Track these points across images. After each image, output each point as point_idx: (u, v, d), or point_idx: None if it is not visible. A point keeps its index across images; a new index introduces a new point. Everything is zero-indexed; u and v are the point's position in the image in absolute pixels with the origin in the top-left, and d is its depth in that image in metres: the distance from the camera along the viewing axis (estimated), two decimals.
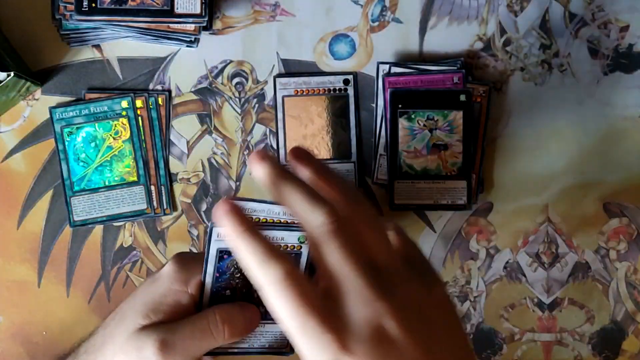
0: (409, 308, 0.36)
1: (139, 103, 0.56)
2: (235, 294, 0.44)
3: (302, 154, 0.40)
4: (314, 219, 0.36)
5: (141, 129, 0.56)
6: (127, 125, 0.56)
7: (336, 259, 0.36)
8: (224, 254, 0.43)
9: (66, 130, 0.56)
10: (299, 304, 0.35)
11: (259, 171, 0.38)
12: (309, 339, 0.35)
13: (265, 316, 0.45)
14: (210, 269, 0.44)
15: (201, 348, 0.43)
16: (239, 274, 0.44)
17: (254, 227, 0.37)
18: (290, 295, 0.35)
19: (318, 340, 0.34)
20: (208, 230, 0.42)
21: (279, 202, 0.38)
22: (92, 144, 0.56)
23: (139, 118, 0.56)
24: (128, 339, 0.43)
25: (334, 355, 0.34)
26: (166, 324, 0.43)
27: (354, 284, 0.35)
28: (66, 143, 0.56)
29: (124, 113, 0.56)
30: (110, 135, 0.56)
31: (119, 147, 0.56)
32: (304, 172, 0.40)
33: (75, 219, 0.56)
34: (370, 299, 0.35)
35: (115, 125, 0.56)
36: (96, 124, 0.56)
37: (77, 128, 0.56)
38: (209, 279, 0.44)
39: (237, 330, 0.43)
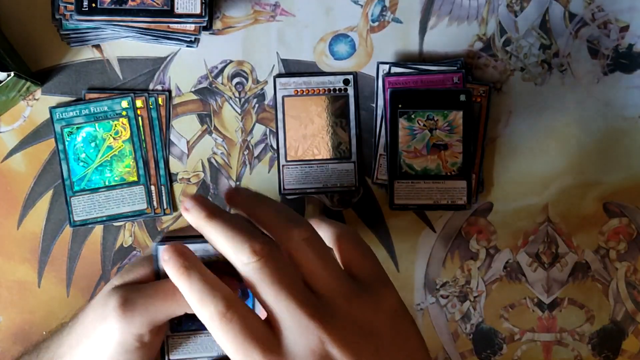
0: (352, 330, 0.36)
1: (139, 103, 0.56)
2: None
3: (232, 193, 0.41)
4: (239, 259, 0.36)
5: (141, 129, 0.56)
6: (127, 125, 0.56)
7: (269, 295, 0.36)
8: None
9: (66, 130, 0.56)
10: (241, 338, 0.35)
11: (187, 219, 0.39)
12: None
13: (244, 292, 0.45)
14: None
15: (162, 310, 0.41)
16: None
17: (191, 265, 0.37)
18: (231, 330, 0.35)
19: None
20: (152, 249, 0.42)
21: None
22: (92, 144, 0.56)
23: (139, 118, 0.56)
24: (100, 297, 0.42)
25: None
26: (134, 284, 0.42)
27: (291, 316, 0.35)
28: (66, 143, 0.56)
29: (124, 113, 0.56)
30: (110, 135, 0.56)
31: (119, 147, 0.56)
32: (238, 209, 0.40)
33: (75, 219, 0.56)
34: (310, 328, 0.35)
35: (115, 125, 0.56)
36: (96, 124, 0.56)
37: (77, 128, 0.56)
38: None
39: None
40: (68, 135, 0.56)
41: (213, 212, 0.38)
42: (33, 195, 0.57)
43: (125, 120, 0.56)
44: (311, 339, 0.35)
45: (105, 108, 0.56)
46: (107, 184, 0.56)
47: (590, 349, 0.59)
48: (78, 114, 0.56)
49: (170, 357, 0.44)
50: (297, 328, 0.35)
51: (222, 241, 0.37)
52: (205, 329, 0.41)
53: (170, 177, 0.57)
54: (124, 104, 0.56)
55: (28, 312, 0.58)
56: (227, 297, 0.36)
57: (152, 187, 0.57)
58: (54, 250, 0.57)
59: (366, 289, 0.39)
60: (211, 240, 0.38)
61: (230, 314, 0.35)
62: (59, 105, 0.56)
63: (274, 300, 0.36)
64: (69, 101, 0.57)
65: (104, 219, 0.56)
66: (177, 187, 0.57)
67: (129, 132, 0.56)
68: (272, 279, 0.36)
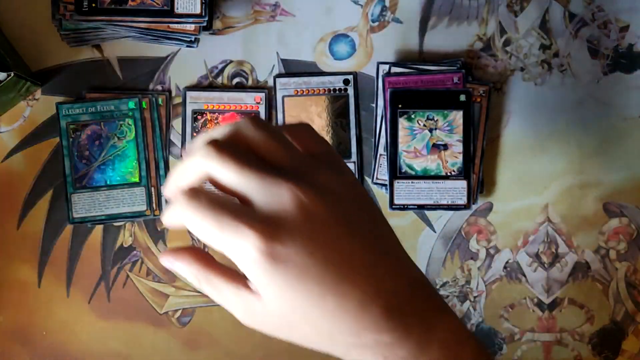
0: (321, 190, 0.35)
1: (145, 104, 0.56)
2: None
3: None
4: (199, 152, 0.35)
5: (145, 130, 0.56)
6: (133, 126, 0.56)
7: (232, 176, 0.34)
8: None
9: (72, 127, 0.56)
10: (210, 210, 0.34)
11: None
12: (232, 240, 0.33)
13: None
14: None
15: None
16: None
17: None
18: (200, 206, 0.34)
19: (240, 236, 0.33)
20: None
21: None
22: (97, 142, 0.56)
23: (144, 119, 0.56)
24: None
25: (263, 248, 0.33)
26: None
27: (259, 184, 0.34)
28: (70, 140, 0.56)
29: (130, 114, 0.56)
30: (115, 134, 0.56)
31: (123, 147, 0.56)
32: None
33: (75, 215, 0.56)
34: (280, 186, 0.34)
35: (121, 125, 0.56)
36: (102, 123, 0.56)
37: (83, 125, 0.56)
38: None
39: None
40: (73, 132, 0.56)
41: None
42: (33, 195, 0.57)
43: (131, 121, 0.56)
44: (280, 196, 0.34)
45: (112, 107, 0.56)
46: (108, 183, 0.56)
47: (590, 349, 0.59)
48: (84, 111, 0.56)
49: None
50: (266, 191, 0.34)
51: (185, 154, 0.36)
52: None
53: None
54: (131, 104, 0.56)
55: (28, 312, 0.58)
56: (194, 187, 0.35)
57: (152, 189, 0.57)
58: (54, 251, 0.57)
59: (330, 167, 0.38)
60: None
61: (197, 194, 0.34)
62: (66, 102, 0.56)
63: (238, 178, 0.34)
64: (73, 100, 0.57)
65: (103, 218, 0.56)
66: None
67: (134, 132, 0.56)
68: (232, 160, 0.34)
